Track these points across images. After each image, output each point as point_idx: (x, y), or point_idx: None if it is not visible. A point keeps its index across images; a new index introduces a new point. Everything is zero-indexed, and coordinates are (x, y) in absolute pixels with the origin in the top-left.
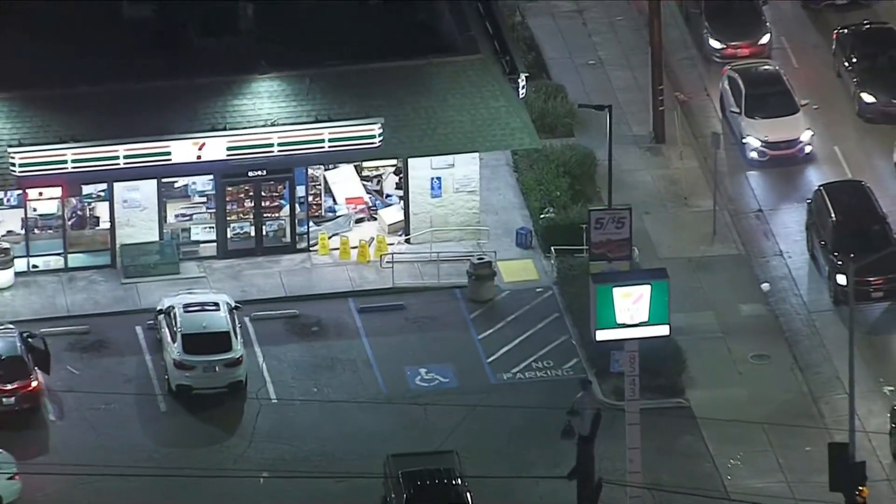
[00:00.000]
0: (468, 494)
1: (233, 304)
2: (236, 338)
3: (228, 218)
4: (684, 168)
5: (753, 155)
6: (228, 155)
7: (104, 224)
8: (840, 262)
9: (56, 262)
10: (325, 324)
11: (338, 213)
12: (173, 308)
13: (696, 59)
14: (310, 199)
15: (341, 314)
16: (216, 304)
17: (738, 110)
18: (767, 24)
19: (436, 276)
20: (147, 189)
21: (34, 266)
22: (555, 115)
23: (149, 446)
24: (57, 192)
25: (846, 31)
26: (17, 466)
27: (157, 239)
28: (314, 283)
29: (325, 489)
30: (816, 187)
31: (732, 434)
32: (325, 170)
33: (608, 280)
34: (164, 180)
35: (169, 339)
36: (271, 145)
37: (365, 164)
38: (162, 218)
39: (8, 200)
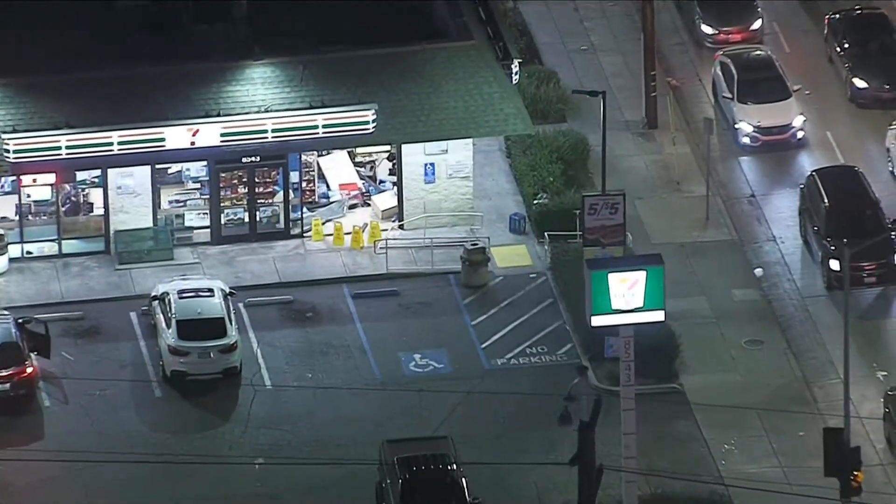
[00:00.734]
0: (463, 480)
1: (227, 291)
2: (231, 324)
3: (222, 204)
4: (677, 153)
5: (746, 140)
6: (222, 141)
7: (98, 210)
8: (833, 248)
9: (50, 248)
10: (319, 310)
11: (331, 199)
12: (168, 294)
13: (688, 45)
14: (303, 185)
15: (335, 300)
16: (211, 291)
17: (730, 96)
18: (759, 9)
19: (429, 262)
20: (141, 175)
21: (28, 252)
22: (547, 101)
23: (144, 432)
24: (51, 178)
25: (838, 16)
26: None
27: (151, 225)
28: (308, 269)
29: (320, 475)
30: (809, 173)
31: (726, 419)
32: (319, 156)
33: (603, 266)
34: (157, 166)
35: (164, 325)
36: (265, 131)
37: (358, 150)
38: (156, 204)
39: (2, 187)
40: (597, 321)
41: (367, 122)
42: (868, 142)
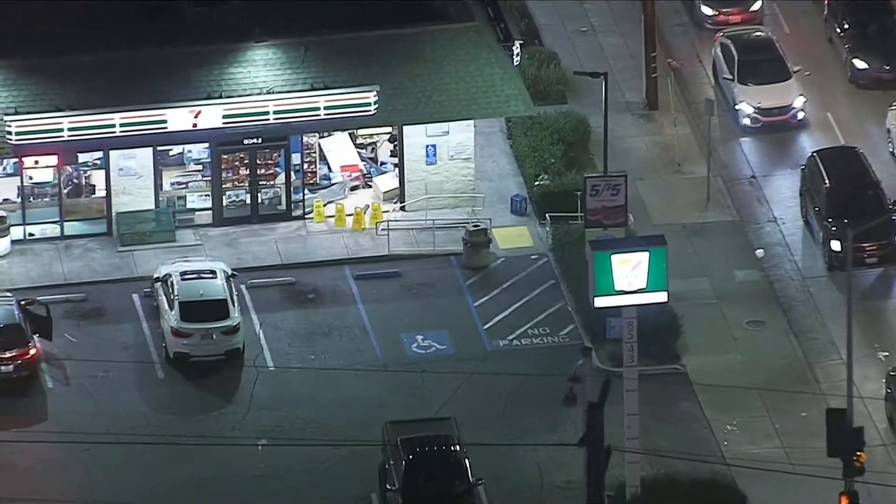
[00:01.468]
0: (467, 461)
1: (229, 272)
2: (233, 305)
3: (224, 186)
4: (677, 135)
5: (746, 121)
6: (224, 123)
7: (100, 192)
8: (834, 228)
9: (52, 230)
10: (321, 291)
11: (333, 181)
12: (170, 276)
13: (688, 26)
14: (305, 166)
15: (337, 281)
16: (213, 272)
17: (730, 77)
18: None
19: (431, 244)
20: (143, 157)
21: (30, 234)
22: (547, 83)
23: (146, 413)
24: (53, 160)
25: None
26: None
27: (152, 207)
28: (310, 251)
29: (323, 456)
30: (810, 153)
31: (728, 400)
32: (320, 137)
33: (607, 247)
34: (159, 148)
35: (166, 306)
36: (267, 113)
37: (359, 131)
38: (158, 186)
39: (4, 169)
40: (600, 302)
41: (368, 104)
42: (868, 123)
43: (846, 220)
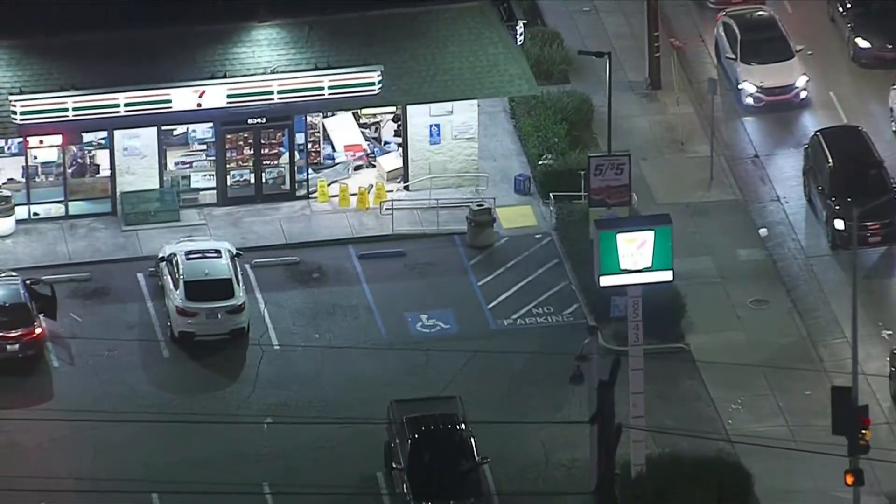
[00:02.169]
0: (472, 440)
1: (234, 252)
2: (238, 285)
3: (228, 165)
4: (680, 114)
5: (749, 101)
6: (228, 102)
7: (104, 172)
8: (837, 207)
9: (57, 209)
10: (325, 270)
11: (336, 161)
12: (175, 255)
13: (691, 6)
14: (309, 146)
15: (341, 261)
16: (218, 252)
17: (733, 56)
18: None
19: (435, 223)
20: (147, 137)
21: (35, 214)
22: (551, 62)
23: (152, 392)
24: (57, 139)
25: None
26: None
27: (157, 186)
28: (314, 230)
29: (329, 435)
30: (813, 133)
31: (733, 378)
32: (324, 117)
33: (612, 226)
34: (164, 128)
35: (171, 286)
36: (271, 93)
37: (363, 111)
38: (162, 165)
39: (9, 148)
40: (605, 281)
41: (372, 84)
42: (871, 102)
43: (849, 199)
